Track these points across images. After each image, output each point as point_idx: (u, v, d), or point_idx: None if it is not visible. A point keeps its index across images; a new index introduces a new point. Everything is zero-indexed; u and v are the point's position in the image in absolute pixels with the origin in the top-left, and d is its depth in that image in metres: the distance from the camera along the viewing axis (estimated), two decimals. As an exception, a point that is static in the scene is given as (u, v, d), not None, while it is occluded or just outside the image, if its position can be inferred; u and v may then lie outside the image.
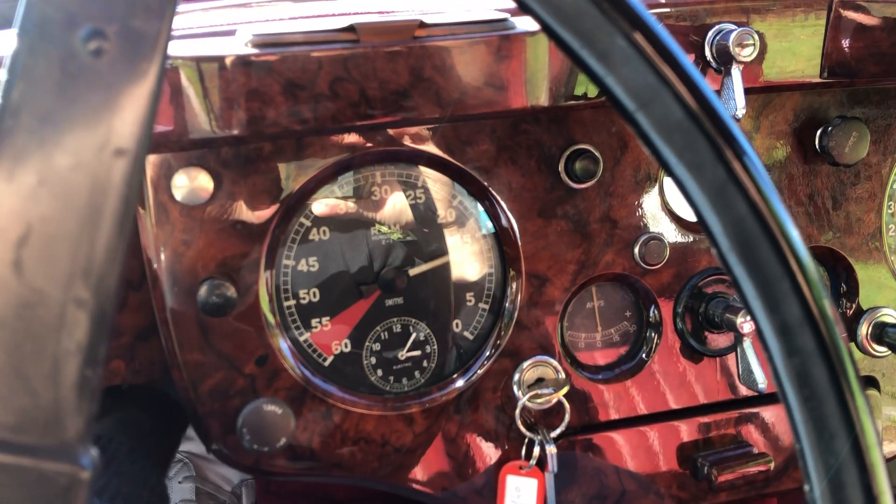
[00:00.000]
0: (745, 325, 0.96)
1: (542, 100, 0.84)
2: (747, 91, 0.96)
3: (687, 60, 0.44)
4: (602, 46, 0.43)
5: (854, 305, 1.07)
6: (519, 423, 0.96)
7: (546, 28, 0.44)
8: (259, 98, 0.75)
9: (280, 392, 0.91)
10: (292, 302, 0.93)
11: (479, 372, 0.97)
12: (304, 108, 0.76)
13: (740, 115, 0.88)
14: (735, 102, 0.89)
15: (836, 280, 1.08)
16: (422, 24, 0.76)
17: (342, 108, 0.77)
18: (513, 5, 0.74)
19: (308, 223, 0.92)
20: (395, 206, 0.94)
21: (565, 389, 0.96)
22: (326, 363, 0.95)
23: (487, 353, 0.97)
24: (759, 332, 0.46)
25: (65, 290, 0.39)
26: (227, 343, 0.89)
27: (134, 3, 0.40)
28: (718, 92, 0.92)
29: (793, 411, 0.47)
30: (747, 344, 0.97)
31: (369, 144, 0.89)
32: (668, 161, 0.45)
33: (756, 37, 0.89)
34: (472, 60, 0.78)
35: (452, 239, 0.96)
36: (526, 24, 0.81)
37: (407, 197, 0.94)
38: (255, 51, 0.75)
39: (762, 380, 0.95)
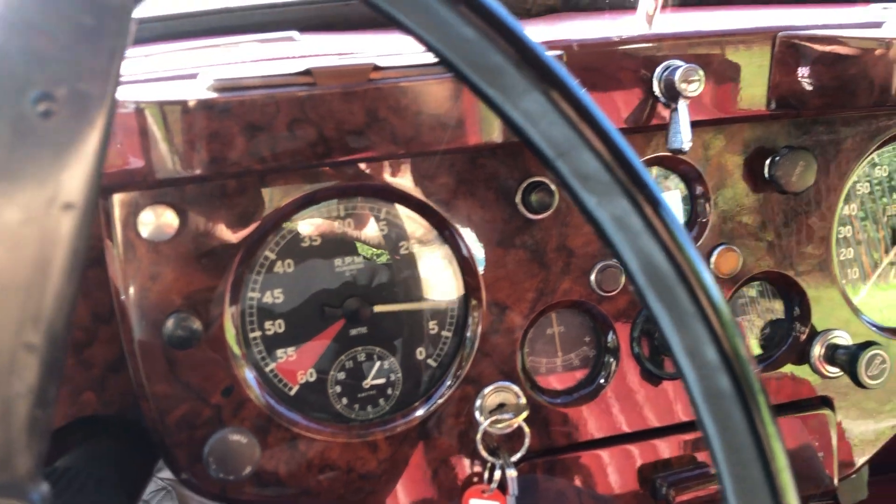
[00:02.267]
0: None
1: (496, 136, 0.88)
2: (697, 123, 1.00)
3: (601, 114, 0.47)
4: (521, 103, 0.46)
5: (807, 328, 1.11)
6: (480, 447, 0.99)
7: (470, 85, 0.47)
8: (220, 140, 0.78)
9: (246, 422, 0.93)
10: (258, 333, 0.95)
11: (442, 399, 0.99)
12: (264, 149, 0.79)
13: (686, 148, 0.92)
14: (681, 136, 0.93)
15: (790, 304, 1.12)
16: (376, 67, 0.79)
17: (301, 148, 0.80)
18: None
19: (273, 256, 0.95)
20: (359, 238, 0.97)
21: (524, 414, 0.99)
22: (292, 392, 0.98)
23: (450, 381, 1.00)
24: (676, 368, 0.49)
25: (15, 336, 0.42)
26: (193, 375, 0.91)
27: (80, 68, 0.43)
28: (667, 125, 0.95)
29: (710, 443, 0.50)
30: (701, 368, 1.00)
31: (332, 179, 0.92)
32: (586, 209, 0.49)
33: (701, 73, 0.93)
34: (426, 100, 0.81)
35: (416, 269, 0.99)
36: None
37: (370, 229, 0.97)
38: (215, 94, 0.78)
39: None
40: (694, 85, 0.93)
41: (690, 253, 0.48)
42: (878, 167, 1.14)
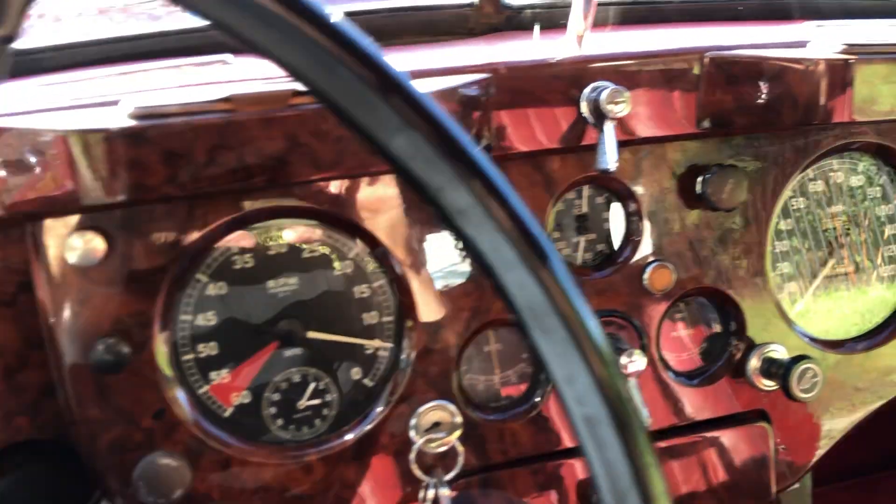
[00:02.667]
0: (630, 365, 1.00)
1: None
2: (628, 143, 1.02)
3: (473, 148, 0.48)
4: (392, 143, 0.47)
5: (743, 342, 1.12)
6: (414, 467, 0.99)
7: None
8: (140, 167, 0.79)
9: (178, 445, 0.93)
10: (191, 356, 0.96)
11: (377, 419, 1.00)
12: (184, 176, 0.80)
13: (612, 168, 0.93)
14: (607, 157, 0.94)
15: (726, 318, 1.13)
16: (296, 93, 0.80)
17: (222, 175, 0.80)
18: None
19: (205, 279, 0.95)
20: (292, 259, 0.98)
21: (457, 433, 0.99)
22: (226, 414, 0.98)
23: (385, 400, 1.00)
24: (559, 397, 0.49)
25: None
26: (124, 398, 0.91)
27: None
28: (595, 146, 0.96)
29: (592, 468, 0.51)
30: (632, 383, 1.01)
31: (261, 202, 0.92)
32: (467, 243, 0.49)
33: (627, 94, 0.95)
34: (346, 125, 0.82)
35: (349, 290, 0.99)
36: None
37: (303, 250, 0.98)
38: (134, 122, 0.78)
39: (644, 416, 0.99)
40: (620, 106, 0.95)
41: (566, 284, 0.49)
42: (814, 182, 1.16)
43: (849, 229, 1.18)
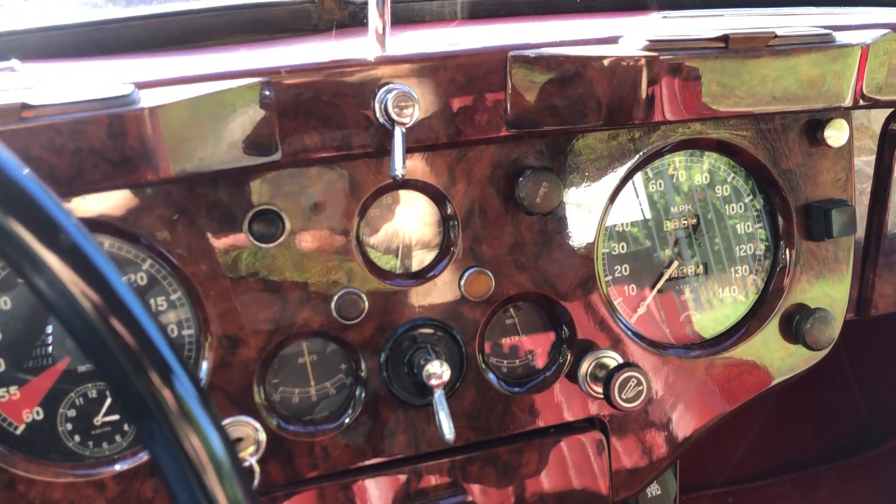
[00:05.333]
0: (433, 378, 0.97)
1: (190, 166, 0.85)
2: (436, 147, 0.98)
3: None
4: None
5: (574, 348, 1.09)
6: (209, 484, 0.96)
7: None
8: None
9: (-42, 465, 0.91)
10: (-25, 372, 0.93)
11: (175, 434, 0.97)
12: None
13: (399, 175, 0.89)
14: (395, 163, 0.90)
15: (558, 323, 1.10)
16: (26, 106, 0.76)
17: None
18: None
19: (-13, 294, 0.93)
20: (80, 272, 0.95)
21: (250, 449, 0.97)
22: (18, 431, 0.95)
23: (183, 415, 0.98)
24: None
25: None
26: None
27: None
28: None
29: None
30: (438, 394, 0.98)
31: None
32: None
33: (416, 98, 0.91)
34: (83, 137, 0.78)
35: (145, 302, 0.96)
36: (150, 98, 0.82)
37: (93, 263, 0.95)
38: None
39: (448, 430, 0.96)
40: (408, 110, 0.91)
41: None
42: (653, 181, 1.12)
43: (696, 229, 1.14)
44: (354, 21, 1.24)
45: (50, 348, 0.95)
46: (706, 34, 0.95)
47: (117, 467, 0.96)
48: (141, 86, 0.84)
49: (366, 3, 1.23)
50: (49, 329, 0.95)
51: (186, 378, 0.48)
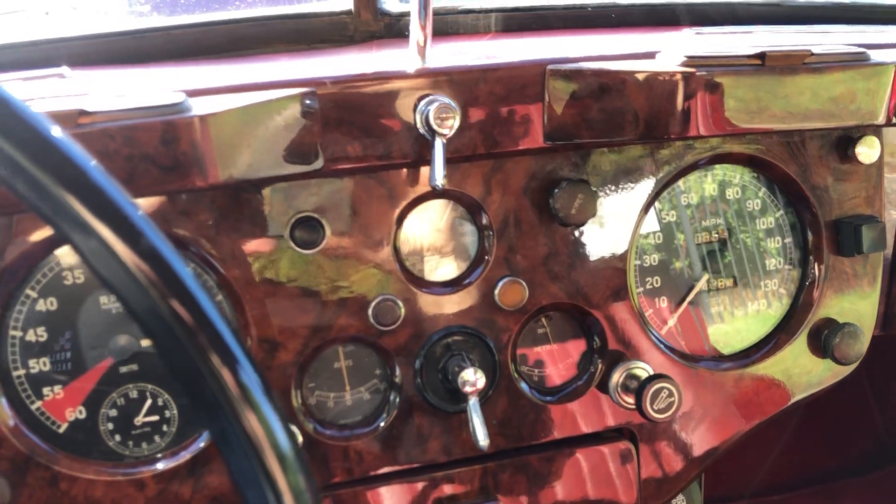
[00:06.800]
0: (468, 385, 0.99)
1: (239, 173, 0.87)
2: (474, 158, 1.00)
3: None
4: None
5: (606, 358, 1.10)
6: (247, 485, 0.98)
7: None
8: None
9: (3, 461, 0.93)
10: (21, 371, 0.95)
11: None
12: None
13: (439, 185, 0.91)
14: (436, 173, 0.92)
15: (590, 333, 1.11)
16: (83, 112, 0.79)
17: (6, 195, 0.79)
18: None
19: (34, 294, 0.95)
20: (125, 275, 0.97)
21: (290, 452, 0.98)
22: (61, 430, 0.97)
23: (222, 417, 0.99)
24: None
25: None
26: None
27: None
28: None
29: None
30: (473, 402, 0.99)
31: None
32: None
33: (457, 110, 0.93)
34: (138, 143, 0.80)
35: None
36: (202, 107, 0.84)
37: (137, 266, 0.97)
38: None
39: (482, 437, 0.97)
40: (449, 121, 0.93)
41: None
42: (686, 194, 1.13)
43: (727, 243, 1.15)
44: (390, 32, 1.26)
45: (93, 349, 0.97)
46: (743, 51, 0.96)
47: (159, 466, 0.98)
48: (190, 94, 0.86)
49: (401, 16, 1.26)
50: (93, 330, 0.97)
51: (252, 368, 0.50)
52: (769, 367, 1.16)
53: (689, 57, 0.95)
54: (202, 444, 0.99)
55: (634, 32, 1.23)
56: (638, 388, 1.05)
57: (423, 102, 0.95)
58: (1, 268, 0.91)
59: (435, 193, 1.03)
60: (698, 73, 0.94)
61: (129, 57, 1.12)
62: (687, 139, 1.04)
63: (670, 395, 1.05)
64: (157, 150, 0.81)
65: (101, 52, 1.07)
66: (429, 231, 1.05)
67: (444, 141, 0.93)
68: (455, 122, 0.93)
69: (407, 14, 1.26)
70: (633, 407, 1.08)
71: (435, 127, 0.93)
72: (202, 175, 0.83)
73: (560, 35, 1.24)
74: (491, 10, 1.26)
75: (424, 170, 1.00)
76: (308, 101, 0.92)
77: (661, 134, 0.97)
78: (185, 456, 0.98)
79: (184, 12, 1.19)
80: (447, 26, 1.27)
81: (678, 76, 0.94)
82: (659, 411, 1.04)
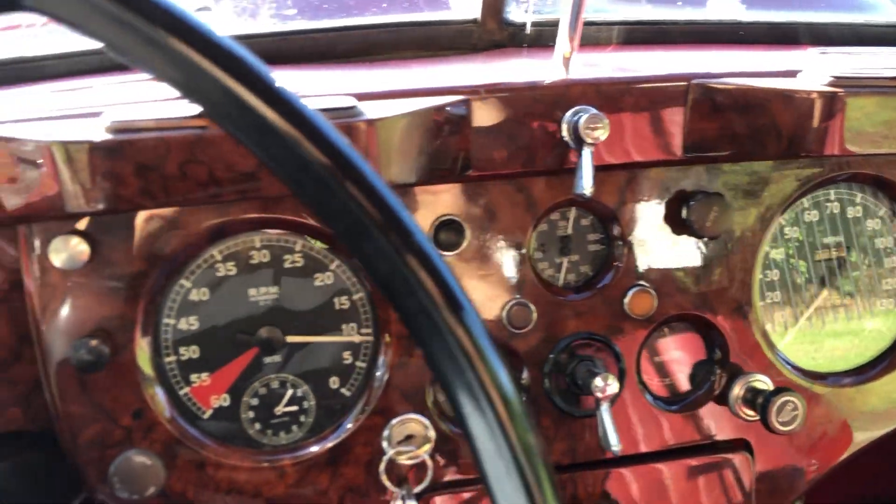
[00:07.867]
0: (602, 389, 1.01)
1: (395, 177, 0.90)
2: (613, 167, 1.02)
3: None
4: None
5: (727, 370, 1.11)
6: (384, 477, 1.01)
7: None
8: (114, 178, 0.82)
9: (156, 444, 0.97)
10: (173, 358, 0.99)
11: (351, 428, 1.02)
12: (155, 188, 0.83)
13: (587, 194, 0.94)
14: (583, 182, 0.94)
15: (710, 345, 1.13)
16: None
17: (191, 188, 0.83)
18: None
19: (188, 284, 0.99)
20: (273, 269, 1.00)
21: (426, 447, 1.01)
22: (205, 416, 1.01)
23: (359, 410, 1.03)
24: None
25: None
26: (104, 397, 0.95)
27: None
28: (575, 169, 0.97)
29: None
30: (604, 407, 1.01)
31: (242, 212, 0.95)
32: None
33: (606, 121, 0.95)
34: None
35: (329, 301, 1.02)
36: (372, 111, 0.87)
37: (284, 261, 1.00)
38: (111, 136, 0.82)
39: (615, 442, 0.99)
40: (598, 132, 0.95)
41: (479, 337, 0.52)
42: (809, 211, 1.14)
43: (845, 261, 1.16)
44: (512, 42, 1.29)
45: (240, 339, 1.00)
46: (887, 73, 0.98)
47: (299, 453, 1.01)
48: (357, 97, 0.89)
49: (523, 26, 1.29)
50: (241, 321, 1.00)
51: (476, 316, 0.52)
52: (884, 385, 1.17)
53: (836, 77, 0.97)
54: (342, 436, 1.02)
55: (756, 50, 1.25)
56: (763, 400, 1.06)
57: (569, 112, 0.98)
58: (159, 258, 0.94)
59: (572, 201, 1.05)
60: (845, 93, 0.95)
61: (271, 58, 1.15)
62: (824, 157, 1.06)
63: (795, 408, 1.06)
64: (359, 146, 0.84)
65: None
66: (561, 238, 1.08)
67: (592, 151, 0.96)
68: (603, 133, 0.95)
69: (531, 24, 1.29)
70: (754, 419, 1.10)
71: (584, 137, 0.95)
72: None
73: (681, 50, 1.26)
74: (614, 23, 1.28)
75: (563, 178, 1.03)
76: (461, 108, 0.95)
77: (802, 151, 0.98)
78: (326, 445, 1.02)
79: (325, 16, 1.23)
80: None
81: (825, 95, 0.96)
82: (784, 423, 1.06)
